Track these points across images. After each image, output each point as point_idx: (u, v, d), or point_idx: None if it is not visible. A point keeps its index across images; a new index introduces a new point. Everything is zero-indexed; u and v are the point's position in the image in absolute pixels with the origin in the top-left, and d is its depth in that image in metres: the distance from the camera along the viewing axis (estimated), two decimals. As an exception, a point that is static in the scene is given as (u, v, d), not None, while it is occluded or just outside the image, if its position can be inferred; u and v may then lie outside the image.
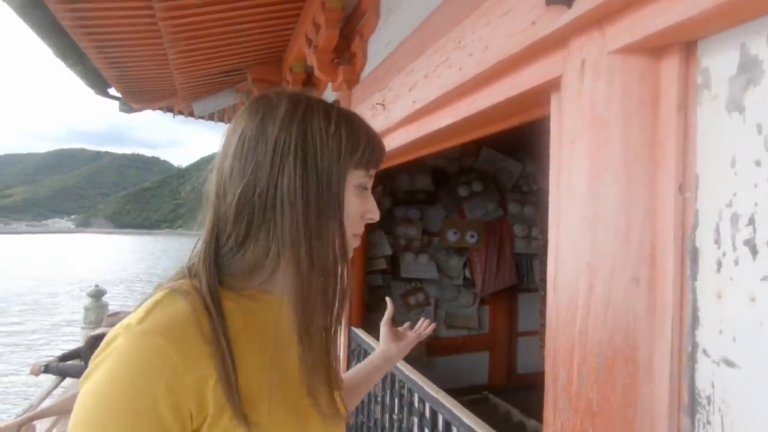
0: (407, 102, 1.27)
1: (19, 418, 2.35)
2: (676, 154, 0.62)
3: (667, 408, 0.62)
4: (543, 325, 3.38)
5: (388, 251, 3.14)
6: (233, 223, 0.54)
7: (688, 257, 0.62)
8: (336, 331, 0.60)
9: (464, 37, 0.98)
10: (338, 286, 0.57)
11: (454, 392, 1.44)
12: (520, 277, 3.53)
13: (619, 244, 0.65)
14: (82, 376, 0.46)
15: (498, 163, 3.48)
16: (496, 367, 3.53)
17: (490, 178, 3.46)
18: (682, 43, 0.61)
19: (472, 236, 3.34)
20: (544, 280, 3.83)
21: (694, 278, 0.61)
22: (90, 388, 0.45)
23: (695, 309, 0.61)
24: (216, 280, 0.53)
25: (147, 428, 0.43)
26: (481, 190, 3.37)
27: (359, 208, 0.60)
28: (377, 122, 1.51)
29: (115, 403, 0.43)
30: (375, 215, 0.62)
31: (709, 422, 0.58)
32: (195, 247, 0.57)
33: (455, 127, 1.12)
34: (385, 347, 0.96)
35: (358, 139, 0.58)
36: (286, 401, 0.55)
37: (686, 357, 0.61)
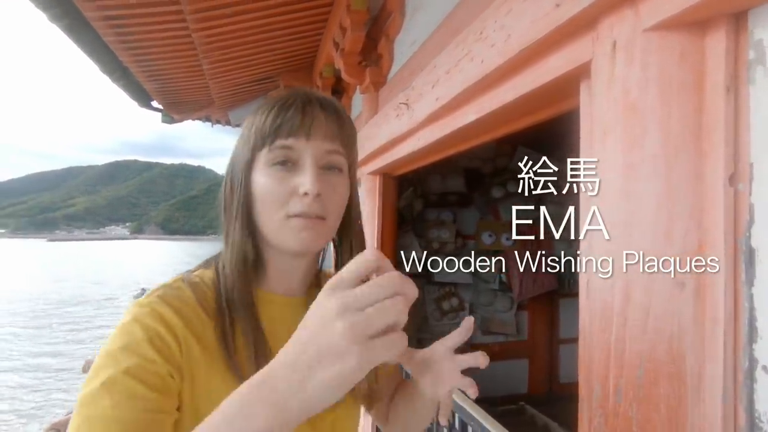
0: (430, 100, 1.22)
1: (70, 415, 2.49)
2: (726, 141, 0.54)
3: (720, 433, 0.54)
4: (586, 332, 3.21)
5: (420, 254, 3.09)
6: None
7: (743, 259, 0.54)
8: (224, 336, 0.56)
9: (486, 28, 0.93)
10: (231, 292, 0.54)
11: (490, 401, 1.37)
12: (561, 281, 3.37)
13: (659, 245, 0.58)
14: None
15: (535, 162, 3.35)
16: (536, 375, 3.38)
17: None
18: (730, 15, 0.53)
19: (508, 239, 3.23)
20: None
21: (750, 284, 0.53)
22: (102, 349, 0.49)
23: (752, 319, 0.53)
24: (245, 271, 0.55)
25: (140, 363, 0.46)
26: (517, 191, 3.25)
27: (269, 186, 0.53)
28: (401, 122, 1.47)
29: (114, 348, 0.47)
30: (307, 187, 0.51)
31: (772, 451, 0.50)
32: None
33: (480, 123, 1.06)
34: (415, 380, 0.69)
35: (264, 116, 0.54)
36: None
37: (743, 374, 0.53)
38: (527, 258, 3.39)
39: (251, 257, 0.55)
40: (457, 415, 1.35)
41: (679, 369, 0.56)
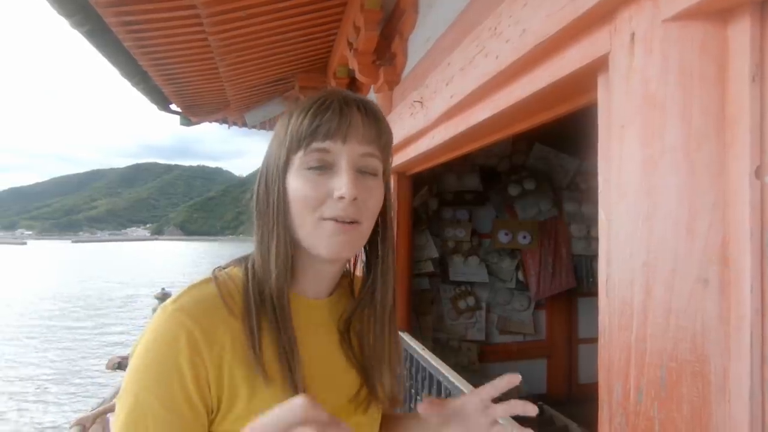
0: (444, 97, 1.22)
1: (94, 411, 2.55)
2: (751, 132, 0.53)
3: (747, 433, 0.52)
4: (606, 332, 3.15)
5: (436, 254, 3.08)
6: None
7: (770, 254, 0.52)
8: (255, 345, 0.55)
9: (500, 23, 0.92)
10: (268, 269, 0.54)
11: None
12: (579, 280, 3.32)
13: (681, 240, 0.57)
14: (131, 350, 0.50)
15: (552, 160, 3.30)
16: (555, 375, 3.33)
17: (543, 176, 3.29)
18: (755, 2, 0.52)
19: (524, 237, 3.19)
20: (605, 283, 3.56)
21: (777, 279, 0.51)
22: (132, 361, 0.48)
23: (780, 316, 0.51)
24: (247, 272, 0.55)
25: (172, 393, 0.46)
26: (534, 189, 3.21)
27: (306, 189, 0.52)
28: (417, 120, 1.47)
29: (147, 372, 0.47)
30: (344, 191, 0.51)
31: (802, 452, 0.48)
32: None
33: (495, 120, 1.05)
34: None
35: (301, 119, 0.52)
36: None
37: (770, 373, 0.52)
38: (542, 256, 3.36)
39: (290, 259, 0.54)
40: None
41: (703, 368, 0.55)
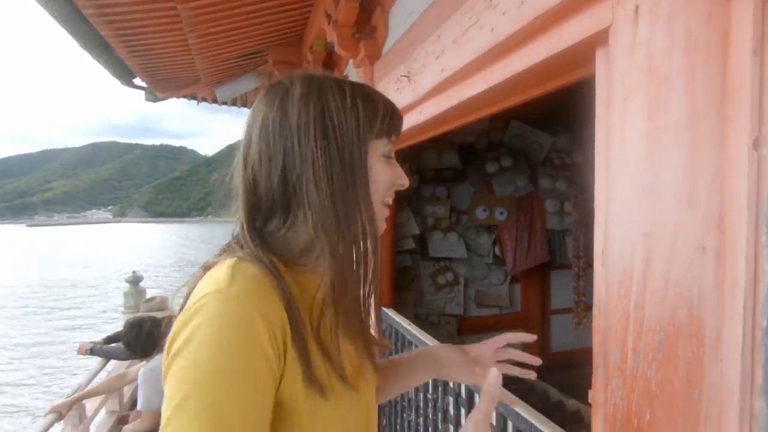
0: (435, 71, 1.20)
1: (70, 398, 2.48)
2: (751, 105, 0.54)
3: (738, 390, 0.56)
4: (577, 303, 3.29)
5: (416, 231, 3.10)
6: (272, 207, 0.57)
7: (764, 222, 0.54)
8: (370, 301, 0.62)
9: (497, -6, 0.90)
10: (370, 256, 0.58)
11: (489, 372, 1.40)
12: (552, 253, 3.43)
13: (682, 211, 0.59)
14: (171, 351, 0.46)
15: (528, 137, 3.35)
16: (530, 346, 3.46)
17: (519, 153, 3.34)
18: (760, -25, 0.53)
19: (501, 213, 3.26)
20: (577, 257, 3.70)
21: (771, 246, 0.54)
22: (195, 357, 0.44)
23: (773, 280, 0.54)
24: (267, 253, 0.55)
25: (260, 374, 0.46)
26: (511, 166, 3.26)
27: (388, 176, 0.61)
28: (403, 96, 1.45)
29: (226, 360, 0.44)
30: (405, 182, 0.63)
31: (789, 405, 0.52)
32: (234, 231, 0.60)
33: (488, 94, 1.05)
34: (445, 352, 0.79)
35: (376, 108, 0.59)
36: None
37: (761, 333, 0.55)
38: (518, 231, 3.44)
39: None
40: (463, 384, 1.38)
41: (698, 331, 0.58)
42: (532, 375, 0.79)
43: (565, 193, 3.37)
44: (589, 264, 3.18)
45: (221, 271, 0.50)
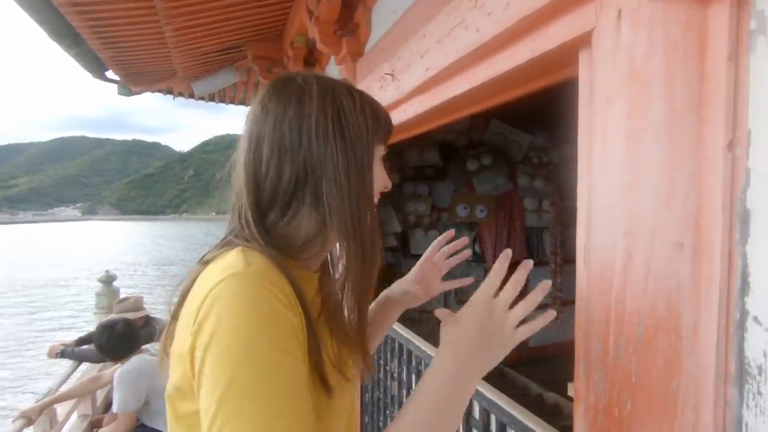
0: (419, 70, 1.21)
1: (40, 402, 2.39)
2: (726, 108, 0.57)
3: (713, 379, 0.59)
4: (555, 298, 3.37)
5: (398, 228, 3.12)
6: (272, 201, 0.57)
7: (737, 219, 0.57)
8: (368, 299, 0.64)
9: (482, -5, 0.91)
10: (375, 253, 0.60)
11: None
12: (530, 250, 3.51)
13: (661, 209, 0.61)
14: (200, 347, 0.44)
15: (507, 136, 3.41)
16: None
17: (499, 151, 3.39)
18: (735, -16, 0.55)
19: (481, 211, 3.30)
20: (554, 253, 3.77)
21: (744, 242, 0.57)
22: (230, 341, 0.43)
23: (745, 275, 0.57)
24: (274, 248, 0.55)
25: (294, 343, 0.46)
26: (491, 164, 3.30)
27: (381, 179, 0.65)
28: (387, 94, 1.45)
29: (260, 334, 0.44)
30: (389, 184, 0.67)
31: (759, 393, 0.55)
32: (231, 226, 0.60)
33: (472, 94, 1.06)
34: (409, 281, 0.87)
35: (379, 114, 0.63)
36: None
37: (734, 325, 0.58)
38: (498, 229, 3.50)
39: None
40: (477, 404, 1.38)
41: (676, 324, 0.60)
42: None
43: (543, 191, 3.44)
44: (566, 260, 3.26)
45: (231, 258, 0.50)
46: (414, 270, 0.86)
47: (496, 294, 0.59)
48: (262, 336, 0.44)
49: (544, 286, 0.60)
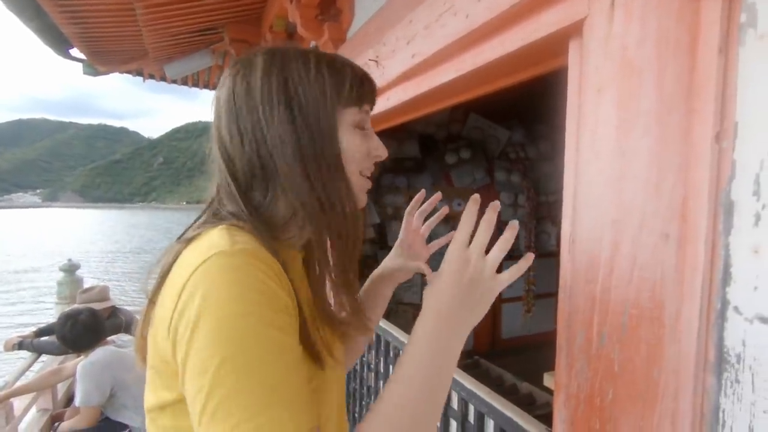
0: (405, 56, 1.18)
1: (-4, 396, 2.27)
2: (715, 100, 0.57)
3: (693, 368, 0.60)
4: (527, 291, 3.44)
5: (376, 220, 3.10)
6: (249, 182, 0.56)
7: (722, 211, 0.58)
8: (353, 275, 0.62)
9: (473, -20, 0.90)
10: (351, 228, 0.57)
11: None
12: (506, 244, 3.55)
13: (649, 199, 0.61)
14: (185, 328, 0.41)
15: (486, 130, 3.43)
16: (481, 333, 3.59)
17: (478, 146, 3.41)
18: (729, -24, 0.55)
19: (459, 204, 3.31)
20: (529, 248, 3.87)
21: (727, 233, 0.58)
22: (218, 318, 0.41)
23: (727, 265, 0.58)
24: (257, 220, 0.54)
25: (284, 318, 0.45)
26: (469, 158, 3.32)
27: (361, 146, 0.59)
28: (370, 80, 1.42)
29: (256, 310, 0.42)
30: (382, 152, 0.62)
31: (737, 381, 0.57)
32: (214, 207, 0.57)
33: (459, 82, 1.05)
34: (394, 255, 0.83)
35: (343, 76, 0.57)
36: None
37: (715, 315, 0.59)
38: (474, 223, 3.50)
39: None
40: (456, 394, 1.38)
41: (660, 313, 0.61)
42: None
43: (519, 186, 3.49)
44: (540, 255, 3.33)
45: (214, 236, 0.48)
46: (396, 243, 0.83)
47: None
48: (255, 313, 0.42)
49: (514, 225, 0.61)
